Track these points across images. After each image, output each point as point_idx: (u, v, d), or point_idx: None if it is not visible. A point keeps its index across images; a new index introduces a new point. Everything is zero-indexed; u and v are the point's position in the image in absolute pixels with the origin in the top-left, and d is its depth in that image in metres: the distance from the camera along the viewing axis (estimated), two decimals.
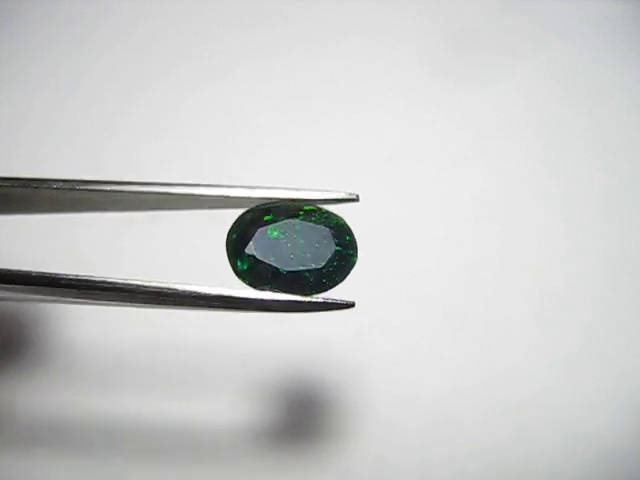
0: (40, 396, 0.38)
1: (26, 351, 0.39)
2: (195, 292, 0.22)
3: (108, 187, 0.22)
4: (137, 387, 0.38)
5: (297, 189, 0.24)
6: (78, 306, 0.38)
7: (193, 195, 0.23)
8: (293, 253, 0.23)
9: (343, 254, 0.23)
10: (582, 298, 0.41)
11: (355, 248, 0.24)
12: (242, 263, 0.22)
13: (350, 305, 0.22)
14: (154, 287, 0.21)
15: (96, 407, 0.38)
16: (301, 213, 0.23)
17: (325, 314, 0.39)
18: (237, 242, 0.23)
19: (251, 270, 0.22)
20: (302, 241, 0.23)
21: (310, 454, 0.38)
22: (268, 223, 0.23)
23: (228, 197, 0.23)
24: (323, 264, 0.23)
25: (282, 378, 0.39)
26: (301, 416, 0.39)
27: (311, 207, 0.23)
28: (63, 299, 0.22)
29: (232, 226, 0.23)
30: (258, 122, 0.43)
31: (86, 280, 0.21)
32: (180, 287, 0.22)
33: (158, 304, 0.21)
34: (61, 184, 0.23)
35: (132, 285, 0.21)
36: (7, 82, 0.42)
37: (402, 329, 0.40)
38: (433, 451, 0.38)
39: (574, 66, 0.44)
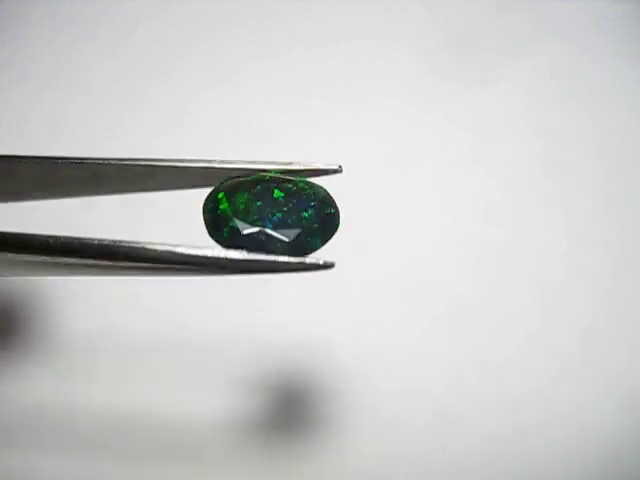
0: (25, 386, 0.38)
1: (13, 342, 0.39)
2: (171, 252, 0.21)
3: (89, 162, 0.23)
4: (126, 380, 0.38)
5: (279, 162, 0.24)
6: (68, 298, 0.38)
7: (176, 167, 0.23)
8: (273, 216, 0.23)
9: (324, 214, 0.23)
10: (582, 296, 0.40)
11: (337, 208, 0.23)
12: (217, 225, 0.22)
13: (329, 265, 0.22)
14: (129, 246, 0.21)
15: (84, 399, 0.38)
16: (281, 180, 0.23)
17: (327, 310, 0.39)
18: (214, 205, 0.23)
19: (227, 231, 0.22)
20: (282, 205, 0.23)
21: (308, 449, 0.38)
22: (249, 188, 0.23)
23: (210, 168, 0.23)
24: (304, 226, 0.23)
25: (281, 372, 0.39)
26: (299, 411, 0.39)
27: (292, 177, 0.24)
28: (36, 261, 0.22)
29: (210, 193, 0.23)
30: (258, 122, 0.43)
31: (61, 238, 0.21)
32: (158, 247, 0.22)
33: (133, 268, 0.21)
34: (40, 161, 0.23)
35: (109, 244, 0.21)
36: (9, 82, 0.43)
37: (401, 324, 0.40)
38: (432, 446, 0.38)
39: (574, 66, 0.44)
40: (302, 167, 0.24)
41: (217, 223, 0.22)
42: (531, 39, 0.44)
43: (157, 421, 0.38)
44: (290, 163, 0.24)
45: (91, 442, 0.38)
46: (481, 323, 0.40)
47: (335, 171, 0.24)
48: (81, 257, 0.21)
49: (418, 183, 0.43)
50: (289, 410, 0.39)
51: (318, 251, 0.24)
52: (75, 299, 0.39)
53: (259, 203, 0.22)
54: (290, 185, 0.23)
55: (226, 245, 0.22)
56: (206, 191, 0.23)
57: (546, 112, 0.43)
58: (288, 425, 0.39)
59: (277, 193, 0.23)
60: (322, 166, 0.24)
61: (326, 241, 0.23)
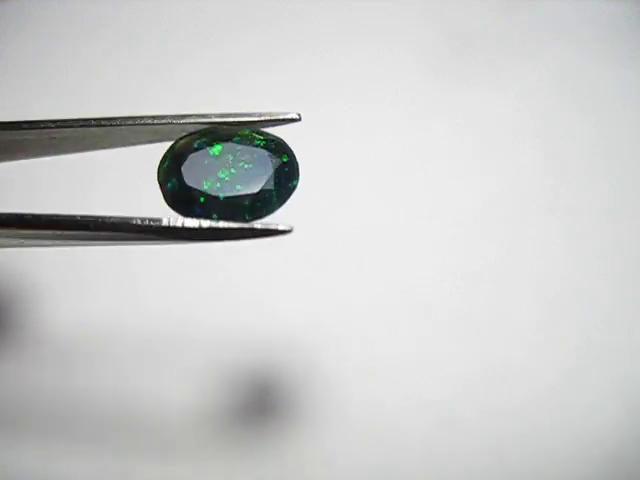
0: (8, 379, 0.39)
1: (7, 338, 0.40)
2: (127, 222, 0.22)
3: (43, 125, 0.23)
4: (112, 372, 0.39)
5: (233, 114, 0.23)
6: (52, 289, 0.39)
7: (131, 125, 0.23)
8: (227, 177, 0.22)
9: (281, 175, 0.23)
10: (585, 301, 0.40)
11: (295, 168, 0.23)
12: (172, 190, 0.22)
13: (287, 231, 0.22)
14: (69, 217, 0.21)
15: (67, 391, 0.38)
16: (236, 136, 0.23)
17: (336, 313, 0.39)
18: (167, 168, 0.23)
19: (181, 197, 0.22)
20: (237, 164, 0.22)
21: (311, 455, 0.38)
22: (201, 148, 0.23)
23: (162, 124, 0.23)
24: (259, 187, 0.22)
25: (285, 376, 0.39)
26: (299, 418, 0.39)
27: (248, 130, 0.23)
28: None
29: (164, 153, 0.23)
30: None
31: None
32: (114, 219, 0.22)
33: (75, 236, 0.21)
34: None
35: (48, 217, 0.21)
36: (9, 82, 0.43)
37: (407, 331, 0.40)
38: (438, 452, 0.38)
39: (575, 67, 0.44)
40: (258, 118, 0.23)
41: (172, 190, 0.22)
42: (532, 40, 0.44)
43: (146, 415, 0.38)
44: (245, 115, 0.23)
45: (85, 437, 0.38)
46: (486, 329, 0.40)
47: (293, 119, 0.23)
48: (38, 229, 0.22)
49: (418, 185, 0.43)
50: (289, 411, 0.39)
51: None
52: (69, 293, 0.40)
53: (212, 166, 0.22)
54: (244, 141, 0.22)
55: (182, 212, 0.22)
56: (160, 147, 0.23)
57: (547, 113, 0.43)
58: (288, 427, 0.39)
59: (230, 154, 0.23)
60: (280, 115, 0.23)
61: (284, 200, 0.22)
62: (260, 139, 0.22)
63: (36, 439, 0.38)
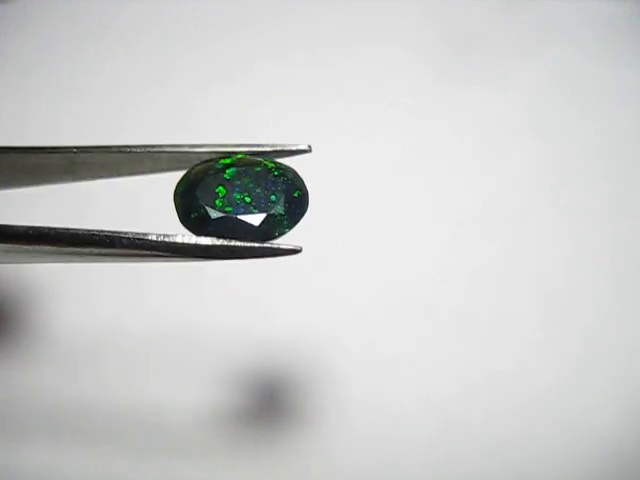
0: (13, 380, 0.39)
1: (3, 336, 0.40)
2: (142, 239, 0.22)
3: (65, 150, 0.23)
4: (116, 373, 0.39)
5: (248, 144, 0.24)
6: (57, 291, 0.39)
7: (148, 153, 0.24)
8: (240, 200, 0.23)
9: (292, 200, 0.23)
10: (586, 301, 0.40)
11: (305, 194, 0.23)
12: (187, 209, 0.23)
13: (297, 251, 0.22)
14: (86, 232, 0.21)
15: (72, 392, 0.39)
16: (250, 163, 0.23)
17: (337, 313, 0.39)
18: (184, 189, 0.23)
19: (195, 216, 0.23)
20: (250, 188, 0.23)
21: (313, 455, 0.38)
22: (217, 172, 0.23)
23: (181, 152, 0.24)
24: (270, 210, 0.23)
25: (287, 376, 0.39)
26: (301, 418, 0.39)
27: (262, 158, 0.24)
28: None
29: (181, 177, 0.24)
30: (258, 124, 0.43)
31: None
32: (129, 235, 0.22)
33: (91, 252, 0.22)
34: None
35: (65, 231, 0.21)
36: (8, 83, 0.43)
37: (408, 331, 0.40)
38: (439, 451, 0.38)
39: (575, 66, 0.44)
40: (271, 148, 0.24)
41: (187, 210, 0.23)
42: (532, 40, 0.44)
43: (150, 416, 0.38)
44: (259, 145, 0.24)
45: (90, 439, 0.38)
46: (488, 329, 0.40)
47: (304, 151, 0.24)
48: (58, 245, 0.22)
49: (419, 185, 0.43)
50: (290, 409, 0.39)
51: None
52: (73, 295, 0.40)
53: (227, 188, 0.23)
54: (258, 168, 0.23)
55: (196, 231, 0.22)
56: (178, 174, 0.23)
57: (547, 113, 0.43)
58: (290, 426, 0.39)
59: (245, 178, 0.23)
60: (292, 147, 0.24)
61: (295, 224, 0.23)
62: (273, 167, 0.23)
63: (42, 441, 0.38)
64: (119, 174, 0.25)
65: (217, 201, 0.22)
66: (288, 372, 0.39)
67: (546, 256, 0.41)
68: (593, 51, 0.44)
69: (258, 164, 0.23)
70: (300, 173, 0.24)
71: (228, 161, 0.23)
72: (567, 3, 0.44)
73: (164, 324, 0.39)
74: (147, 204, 0.37)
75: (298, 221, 0.23)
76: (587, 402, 0.39)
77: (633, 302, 0.40)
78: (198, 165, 0.24)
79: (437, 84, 0.44)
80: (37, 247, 0.22)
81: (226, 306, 0.40)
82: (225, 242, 0.22)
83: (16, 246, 0.22)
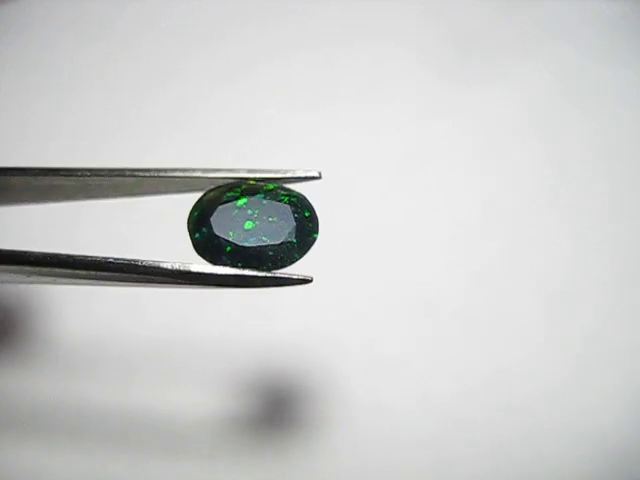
0: (14, 383, 0.39)
1: (7, 341, 0.40)
2: (157, 267, 0.22)
3: (79, 174, 0.23)
4: (119, 379, 0.39)
5: (259, 170, 0.24)
6: (61, 299, 0.39)
7: (159, 177, 0.24)
8: (252, 229, 0.23)
9: (303, 229, 0.23)
10: (586, 301, 0.40)
11: (316, 223, 0.24)
12: (201, 238, 0.23)
13: (307, 280, 0.23)
14: (102, 259, 0.22)
15: (73, 396, 0.39)
16: (261, 191, 0.24)
17: (337, 314, 0.40)
18: (197, 218, 0.23)
19: (209, 245, 0.23)
20: (262, 217, 0.23)
21: (316, 456, 0.38)
22: (229, 200, 0.23)
23: (192, 177, 0.24)
24: (282, 239, 0.23)
25: (289, 378, 0.39)
26: (301, 416, 0.39)
27: (272, 185, 0.24)
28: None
29: (194, 204, 0.24)
30: (258, 124, 0.43)
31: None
32: (145, 263, 0.22)
33: (106, 277, 0.22)
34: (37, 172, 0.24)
35: (82, 259, 0.22)
36: (8, 85, 0.43)
37: (409, 331, 0.40)
38: (441, 452, 0.38)
39: (575, 66, 0.44)
40: (281, 175, 0.24)
41: (201, 239, 0.23)
42: (532, 40, 0.44)
43: (139, 417, 0.38)
44: (270, 171, 0.24)
45: (91, 445, 0.38)
46: (490, 328, 0.40)
47: (314, 177, 0.25)
48: (74, 270, 0.22)
49: (419, 185, 0.43)
50: (292, 410, 0.39)
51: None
52: (77, 302, 0.40)
53: (239, 217, 0.23)
54: (269, 197, 0.23)
55: (210, 260, 0.23)
56: (190, 196, 0.24)
57: (547, 113, 0.43)
58: (291, 426, 0.39)
59: (256, 207, 0.23)
60: (302, 174, 0.24)
61: (305, 252, 0.23)
62: (284, 194, 0.23)
63: (42, 444, 0.38)
64: (132, 195, 0.25)
65: (230, 232, 0.23)
66: (288, 372, 0.39)
67: (546, 256, 0.41)
68: (593, 51, 0.44)
69: (269, 192, 0.23)
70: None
71: (240, 190, 0.23)
72: (567, 3, 0.44)
73: (166, 328, 0.39)
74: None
75: (309, 249, 0.24)
76: (588, 402, 0.39)
77: (633, 302, 0.40)
78: (210, 192, 0.24)
79: (437, 84, 0.44)
80: (56, 271, 0.23)
81: (226, 308, 0.40)
82: (239, 272, 0.22)
83: (36, 269, 0.23)
